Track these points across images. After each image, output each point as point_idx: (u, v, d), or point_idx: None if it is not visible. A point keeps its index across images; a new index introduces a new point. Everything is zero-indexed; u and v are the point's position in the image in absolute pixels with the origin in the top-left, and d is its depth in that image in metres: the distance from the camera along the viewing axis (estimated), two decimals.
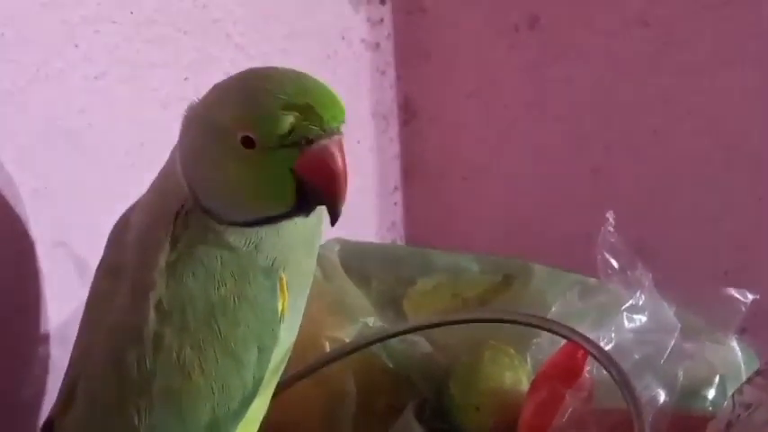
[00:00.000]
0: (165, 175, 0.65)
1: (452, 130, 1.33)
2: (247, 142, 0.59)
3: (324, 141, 0.59)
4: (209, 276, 0.60)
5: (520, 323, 0.77)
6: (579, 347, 0.74)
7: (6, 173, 0.76)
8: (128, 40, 0.87)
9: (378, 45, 1.30)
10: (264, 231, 0.62)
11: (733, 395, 0.72)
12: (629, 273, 0.80)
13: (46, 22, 0.79)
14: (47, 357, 0.80)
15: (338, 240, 0.99)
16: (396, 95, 1.34)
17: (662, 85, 1.20)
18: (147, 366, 0.59)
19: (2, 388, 0.77)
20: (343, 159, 0.60)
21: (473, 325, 0.82)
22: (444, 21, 1.30)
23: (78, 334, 0.65)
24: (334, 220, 0.61)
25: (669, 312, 0.80)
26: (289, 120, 0.58)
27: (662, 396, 0.77)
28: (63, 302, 0.79)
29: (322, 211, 0.63)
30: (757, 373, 0.73)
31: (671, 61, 1.19)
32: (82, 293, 0.67)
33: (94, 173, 0.85)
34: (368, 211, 1.28)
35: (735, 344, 0.85)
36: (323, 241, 0.96)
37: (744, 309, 0.82)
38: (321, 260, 0.93)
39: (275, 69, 0.62)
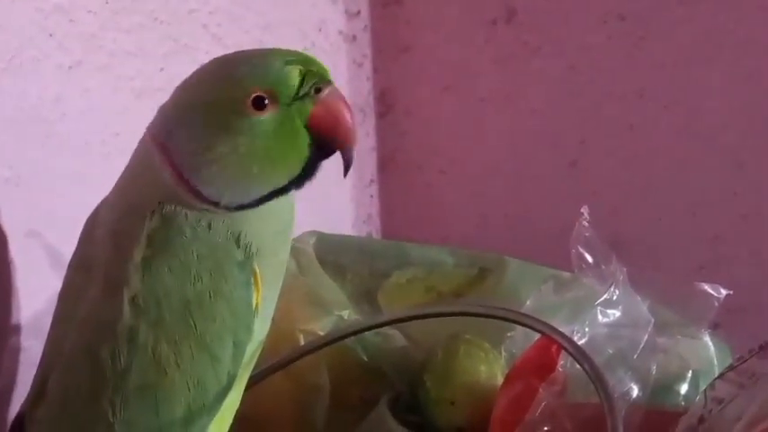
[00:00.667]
0: (138, 169, 0.64)
1: (429, 123, 1.33)
2: (259, 104, 0.59)
3: (330, 89, 0.61)
4: (184, 272, 0.59)
5: (494, 317, 0.77)
6: (553, 342, 0.74)
7: None
8: (103, 29, 0.87)
9: (355, 37, 1.29)
10: (248, 217, 0.61)
11: (705, 390, 0.72)
12: (603, 267, 0.80)
13: (19, 10, 0.78)
14: (20, 349, 0.80)
15: (314, 233, 0.99)
16: (372, 88, 1.33)
17: (638, 79, 1.20)
18: (122, 362, 0.58)
19: None
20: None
21: (448, 318, 0.82)
22: (421, 13, 1.30)
23: (50, 327, 0.65)
24: (347, 168, 0.63)
25: (643, 307, 0.80)
26: (297, 70, 0.60)
27: (635, 391, 0.77)
28: (36, 293, 0.78)
29: (294, 199, 0.64)
30: (729, 368, 0.73)
31: (647, 56, 1.19)
32: (55, 284, 0.66)
33: (69, 162, 0.84)
34: (344, 203, 1.28)
35: (708, 339, 0.86)
36: (298, 234, 0.96)
37: (717, 304, 0.83)
38: (297, 253, 0.93)
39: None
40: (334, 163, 0.64)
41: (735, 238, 1.17)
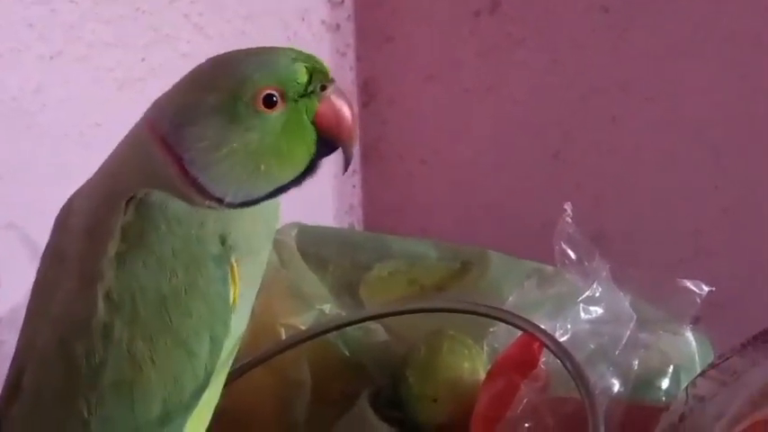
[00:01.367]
0: (128, 160, 0.63)
1: (412, 114, 1.33)
2: (269, 101, 0.60)
3: (335, 87, 0.62)
4: (160, 267, 0.58)
5: (477, 314, 0.77)
6: (535, 339, 0.74)
7: None
8: (83, 19, 0.86)
9: (338, 26, 1.29)
10: (241, 216, 0.61)
11: (687, 387, 0.72)
12: (586, 264, 0.80)
13: None
14: None
15: (296, 225, 0.99)
16: (356, 77, 1.33)
17: (621, 72, 1.20)
18: (97, 358, 0.58)
19: None
20: None
21: (430, 313, 0.82)
22: (406, 3, 1.30)
23: (24, 322, 0.64)
24: (348, 162, 0.64)
25: (625, 303, 0.80)
26: (304, 68, 0.61)
27: (616, 386, 0.77)
28: (14, 286, 0.78)
29: (280, 201, 0.64)
30: (711, 365, 0.73)
31: (630, 48, 1.19)
32: (33, 277, 0.66)
33: (49, 154, 0.84)
34: (326, 193, 1.27)
35: (689, 334, 0.86)
36: (280, 225, 0.96)
37: (699, 300, 0.83)
38: (278, 245, 0.93)
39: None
40: None
41: (715, 232, 1.18)
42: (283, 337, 0.83)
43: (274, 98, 0.60)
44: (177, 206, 0.60)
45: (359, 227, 1.35)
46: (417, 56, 1.31)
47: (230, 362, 0.65)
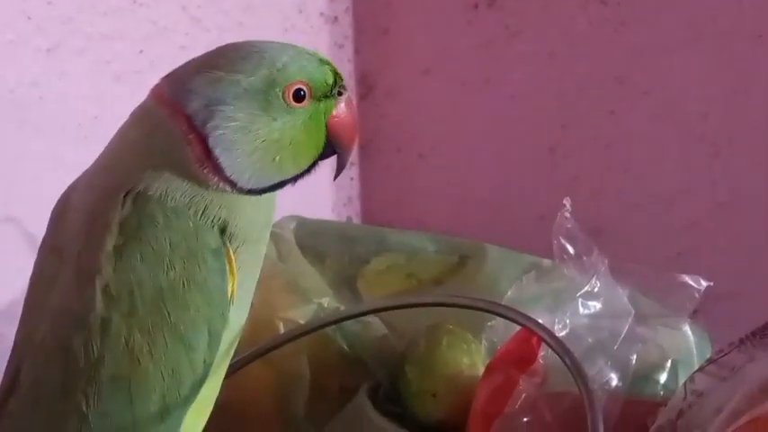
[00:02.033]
0: (118, 148, 0.63)
1: (409, 106, 1.32)
2: (298, 96, 0.62)
3: (348, 94, 0.65)
4: (157, 260, 0.58)
5: (476, 308, 0.77)
6: (533, 334, 0.74)
7: None
8: (81, 11, 0.86)
9: (336, 18, 1.29)
10: (243, 205, 0.62)
11: (685, 383, 0.72)
12: (584, 259, 0.80)
13: None
14: None
15: (294, 218, 0.99)
16: (354, 70, 1.33)
17: (619, 64, 1.20)
18: (95, 353, 0.57)
19: None
20: None
21: (428, 307, 0.82)
22: None
23: (21, 317, 0.64)
24: (341, 169, 0.66)
25: (623, 298, 0.80)
26: (330, 70, 0.63)
27: (614, 380, 0.77)
28: (12, 279, 0.77)
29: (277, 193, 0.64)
30: (709, 361, 0.73)
31: (628, 41, 1.19)
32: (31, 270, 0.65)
33: (46, 147, 0.83)
34: (324, 186, 1.27)
35: (687, 329, 0.86)
36: (277, 218, 0.95)
37: (697, 295, 0.83)
38: (277, 239, 0.93)
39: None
40: None
41: (713, 226, 1.17)
42: (282, 331, 0.83)
43: (302, 93, 0.62)
44: (177, 194, 0.60)
45: (357, 220, 1.35)
46: (415, 48, 1.30)
47: (230, 354, 0.65)
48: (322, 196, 1.29)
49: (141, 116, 0.63)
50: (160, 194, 0.59)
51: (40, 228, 0.66)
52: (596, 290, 0.80)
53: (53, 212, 0.65)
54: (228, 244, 0.61)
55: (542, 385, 0.75)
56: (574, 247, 0.81)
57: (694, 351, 0.86)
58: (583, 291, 0.80)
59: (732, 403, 0.67)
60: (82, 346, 0.58)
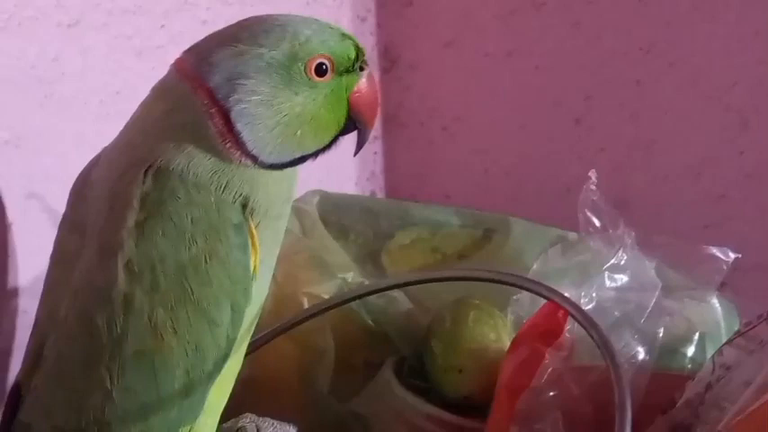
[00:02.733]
0: (139, 123, 0.63)
1: (433, 79, 1.32)
2: (320, 70, 0.62)
3: (369, 69, 0.65)
4: (179, 235, 0.58)
5: (502, 282, 0.76)
6: (559, 307, 0.73)
7: None
8: None
9: None
10: (265, 179, 0.62)
11: (713, 357, 0.72)
12: (610, 231, 0.80)
13: None
14: (19, 312, 0.79)
15: (317, 192, 0.98)
16: (376, 43, 1.32)
17: (645, 35, 1.18)
18: (118, 328, 0.57)
19: None
20: None
21: (453, 282, 0.81)
22: None
23: (43, 293, 0.64)
24: (362, 145, 0.67)
25: (651, 271, 0.79)
26: (352, 45, 0.63)
27: (641, 354, 0.76)
28: (35, 256, 0.77)
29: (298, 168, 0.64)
30: (737, 333, 0.72)
31: (653, 11, 1.18)
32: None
33: (68, 123, 0.83)
34: (348, 160, 1.26)
35: (715, 301, 0.85)
36: (301, 192, 0.95)
37: (725, 267, 0.82)
38: (300, 213, 0.92)
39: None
40: None
41: (740, 198, 1.16)
42: (306, 306, 0.83)
43: (324, 67, 0.62)
44: (199, 170, 0.60)
45: (381, 194, 1.35)
46: (438, 21, 1.29)
47: (252, 330, 0.65)
48: (345, 170, 1.28)
49: (163, 90, 0.63)
50: (182, 169, 0.59)
51: (62, 204, 0.66)
52: (623, 263, 0.79)
53: (73, 188, 0.65)
54: (250, 219, 0.61)
55: (568, 359, 0.74)
56: (600, 220, 0.80)
57: (722, 324, 0.85)
58: (609, 264, 0.79)
59: (760, 377, 0.66)
60: (105, 322, 0.58)
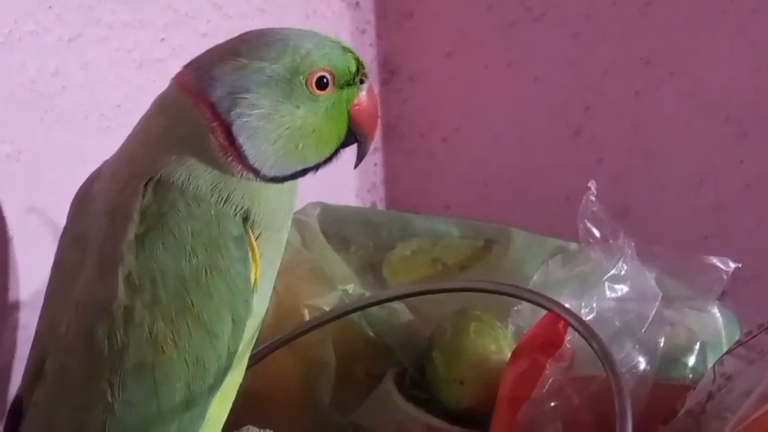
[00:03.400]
0: (140, 137, 0.63)
1: (432, 90, 1.32)
2: (321, 84, 0.62)
3: (370, 83, 0.65)
4: (179, 248, 0.58)
5: (502, 293, 0.76)
6: (560, 318, 0.73)
7: None
8: (102, 0, 0.85)
9: (358, 4, 1.28)
10: (266, 192, 0.62)
11: (714, 366, 0.72)
12: (610, 242, 0.80)
13: None
14: (19, 325, 0.79)
15: (318, 204, 0.98)
16: (376, 55, 1.32)
17: (644, 46, 1.19)
18: (119, 341, 0.57)
19: None
20: None
21: (454, 293, 0.82)
22: None
23: (43, 306, 0.64)
24: (362, 158, 0.67)
25: (651, 281, 0.79)
26: (353, 58, 0.64)
27: (642, 364, 0.77)
28: (36, 269, 0.77)
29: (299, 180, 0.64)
30: (738, 343, 0.72)
31: (653, 22, 1.18)
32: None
33: (69, 136, 0.83)
34: (348, 172, 1.26)
35: (716, 310, 0.85)
36: (301, 204, 0.95)
37: (725, 277, 0.82)
38: (301, 225, 0.93)
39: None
40: None
41: (740, 207, 1.17)
42: (307, 318, 0.83)
43: (325, 80, 0.62)
44: (200, 183, 0.60)
45: (381, 205, 1.35)
46: (437, 32, 1.30)
47: (253, 342, 0.65)
48: (346, 182, 1.28)
49: (164, 104, 0.63)
50: (182, 182, 0.60)
51: (63, 218, 0.66)
52: (623, 273, 0.79)
53: (74, 201, 0.66)
54: (251, 232, 0.61)
55: (569, 369, 0.74)
56: (600, 231, 0.81)
57: (722, 333, 0.85)
58: (609, 274, 0.79)
59: (761, 386, 0.66)
60: (106, 336, 0.58)
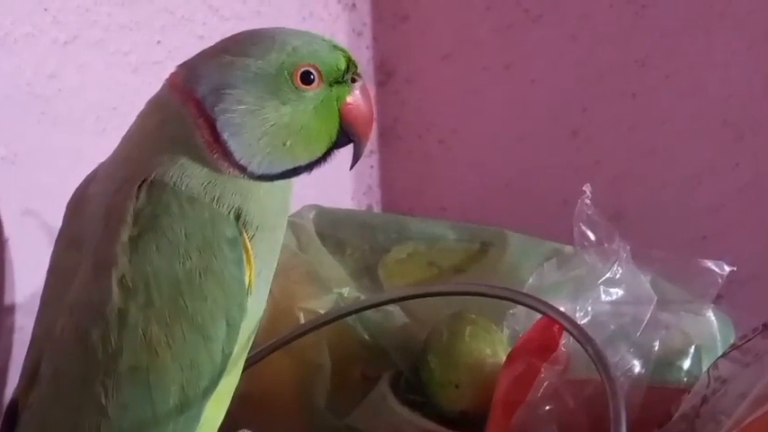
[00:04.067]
0: (134, 138, 0.64)
1: (429, 92, 1.32)
2: (307, 78, 0.61)
3: (363, 82, 0.65)
4: (173, 250, 0.58)
5: (497, 297, 0.76)
6: (555, 321, 0.73)
7: None
8: (98, 2, 0.85)
9: (354, 5, 1.28)
10: (257, 191, 0.62)
11: (708, 370, 0.72)
12: (605, 245, 0.80)
13: None
14: (15, 328, 0.79)
15: (313, 207, 0.98)
16: (372, 57, 1.32)
17: (641, 48, 1.19)
18: (113, 344, 0.57)
19: None
20: None
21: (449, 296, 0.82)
22: None
23: (39, 310, 0.64)
24: (357, 159, 0.66)
25: (646, 285, 0.80)
26: (342, 56, 0.63)
27: (637, 367, 0.77)
28: (32, 272, 0.77)
29: (293, 180, 0.64)
30: (733, 346, 0.73)
31: (649, 24, 1.18)
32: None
33: (65, 139, 0.83)
34: (344, 175, 1.27)
35: (711, 314, 0.85)
36: (297, 207, 0.95)
37: (720, 280, 0.82)
38: (296, 228, 0.93)
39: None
40: None
41: (736, 210, 1.17)
42: (302, 321, 0.83)
43: (312, 76, 0.62)
44: (193, 182, 0.60)
45: (377, 208, 1.35)
46: (434, 34, 1.30)
47: (249, 345, 0.65)
48: (342, 185, 1.28)
49: (156, 104, 0.64)
50: (175, 182, 0.60)
51: (59, 220, 0.66)
52: (618, 276, 0.79)
53: (70, 204, 0.66)
54: (245, 232, 0.61)
55: (564, 373, 0.74)
56: (595, 234, 0.81)
57: (718, 336, 0.85)
58: (604, 278, 0.79)
59: (756, 389, 0.66)
60: (100, 339, 0.58)
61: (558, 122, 1.24)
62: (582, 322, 0.75)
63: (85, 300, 0.59)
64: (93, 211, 0.62)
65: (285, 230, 0.66)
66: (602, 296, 0.79)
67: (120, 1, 0.88)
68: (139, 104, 0.64)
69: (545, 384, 0.73)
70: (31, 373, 0.61)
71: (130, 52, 0.90)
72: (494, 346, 0.83)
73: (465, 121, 1.30)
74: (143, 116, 0.64)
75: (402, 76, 1.33)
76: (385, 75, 1.33)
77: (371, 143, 1.32)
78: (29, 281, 0.79)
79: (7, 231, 0.78)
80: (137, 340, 0.58)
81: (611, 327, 0.78)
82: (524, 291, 0.80)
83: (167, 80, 0.63)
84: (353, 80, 0.64)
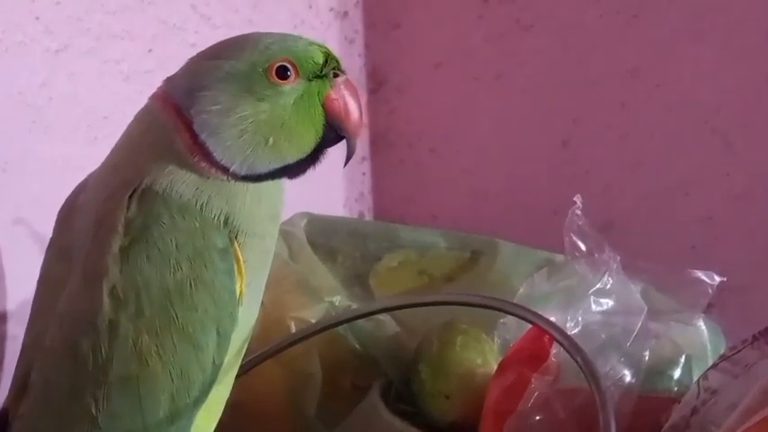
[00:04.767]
0: (123, 147, 0.64)
1: (420, 101, 1.32)
2: (282, 73, 0.61)
3: (347, 77, 0.64)
4: (163, 261, 0.58)
5: (488, 307, 0.76)
6: (545, 331, 0.73)
7: None
8: (90, 11, 0.86)
9: (346, 13, 1.28)
10: (244, 195, 0.61)
11: (698, 380, 0.72)
12: (596, 255, 0.80)
13: None
14: (7, 337, 0.79)
15: (305, 215, 0.98)
16: (364, 65, 1.33)
17: (631, 58, 1.19)
18: (103, 354, 0.57)
19: None
20: None
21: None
22: None
23: (30, 319, 0.64)
24: (350, 155, 0.65)
25: (636, 295, 0.80)
26: (319, 51, 0.63)
27: (628, 377, 0.77)
28: (23, 281, 0.77)
29: (284, 187, 0.65)
30: (722, 357, 0.73)
31: (640, 34, 1.19)
32: None
33: (56, 147, 0.83)
34: (336, 182, 1.27)
35: (701, 324, 0.86)
36: (289, 214, 0.95)
37: (710, 291, 0.82)
38: (288, 237, 0.93)
39: None
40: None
41: (726, 219, 1.17)
42: (293, 330, 0.83)
43: (288, 71, 0.62)
44: (182, 188, 0.60)
45: (369, 215, 1.35)
46: (426, 43, 1.30)
47: (242, 355, 0.65)
48: (333, 192, 1.28)
49: (143, 113, 0.64)
50: (164, 189, 0.60)
51: (50, 229, 0.66)
52: (608, 287, 0.80)
53: (60, 213, 0.66)
54: (235, 242, 0.61)
55: (555, 383, 0.74)
56: (585, 244, 0.81)
57: (708, 346, 0.85)
58: (595, 288, 0.79)
59: (745, 401, 0.67)
60: (90, 349, 0.58)
61: (549, 132, 1.25)
62: (572, 332, 0.75)
63: (76, 309, 0.59)
64: (84, 220, 0.62)
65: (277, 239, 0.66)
66: (593, 306, 0.79)
67: (112, 10, 0.88)
68: (131, 113, 0.64)
69: (535, 394, 0.73)
70: (21, 383, 0.61)
71: (122, 61, 0.90)
72: (485, 355, 0.83)
73: (456, 129, 1.30)
74: (131, 125, 0.65)
75: (394, 85, 1.33)
76: (377, 83, 1.33)
77: (363, 150, 1.32)
78: (20, 290, 0.78)
79: None
80: (127, 350, 0.58)
81: (602, 337, 0.78)
82: (515, 300, 0.80)
83: (154, 92, 0.64)
84: (336, 75, 0.64)
